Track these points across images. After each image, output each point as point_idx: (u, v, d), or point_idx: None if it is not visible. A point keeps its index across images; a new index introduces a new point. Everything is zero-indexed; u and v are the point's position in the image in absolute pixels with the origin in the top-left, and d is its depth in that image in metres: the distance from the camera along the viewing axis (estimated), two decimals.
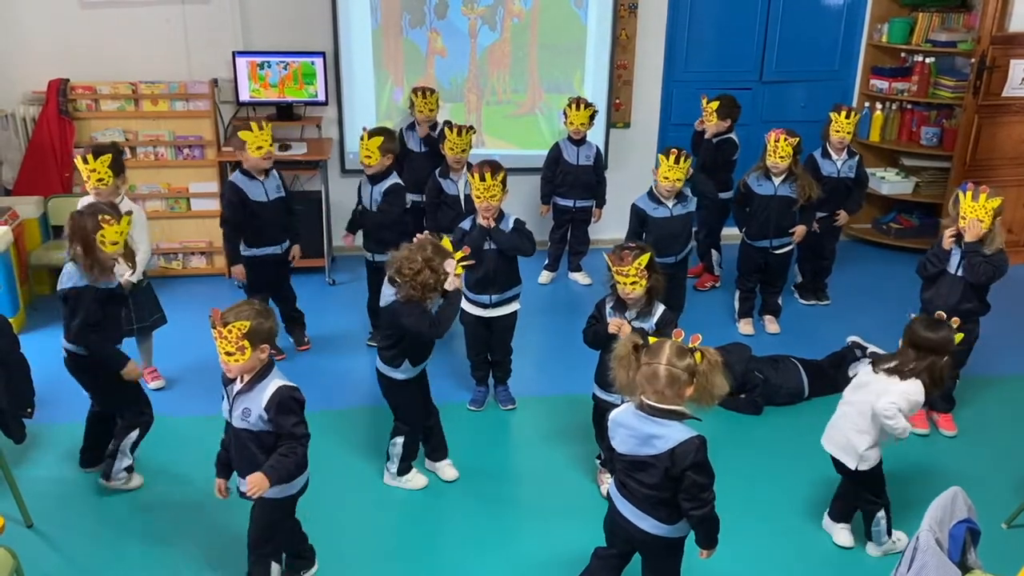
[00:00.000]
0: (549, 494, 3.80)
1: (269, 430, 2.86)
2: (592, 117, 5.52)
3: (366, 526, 3.58)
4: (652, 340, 2.71)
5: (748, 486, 3.76)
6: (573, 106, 5.45)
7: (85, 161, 3.95)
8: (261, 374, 2.87)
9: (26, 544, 3.26)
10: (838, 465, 3.40)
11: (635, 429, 2.65)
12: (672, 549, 2.80)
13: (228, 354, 2.78)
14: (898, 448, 4.16)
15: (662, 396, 2.59)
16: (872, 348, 4.71)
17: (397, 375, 3.61)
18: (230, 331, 2.75)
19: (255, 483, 2.80)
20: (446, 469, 3.86)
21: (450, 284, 3.42)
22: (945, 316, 3.32)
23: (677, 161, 4.49)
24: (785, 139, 4.75)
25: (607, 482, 3.54)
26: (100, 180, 3.95)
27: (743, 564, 3.35)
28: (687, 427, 2.61)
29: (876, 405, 3.21)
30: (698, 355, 2.61)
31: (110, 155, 3.97)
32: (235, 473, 3.01)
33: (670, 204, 4.65)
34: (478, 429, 4.26)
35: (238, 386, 2.89)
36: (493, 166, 3.98)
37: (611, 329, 3.36)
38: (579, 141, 5.56)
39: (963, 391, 4.38)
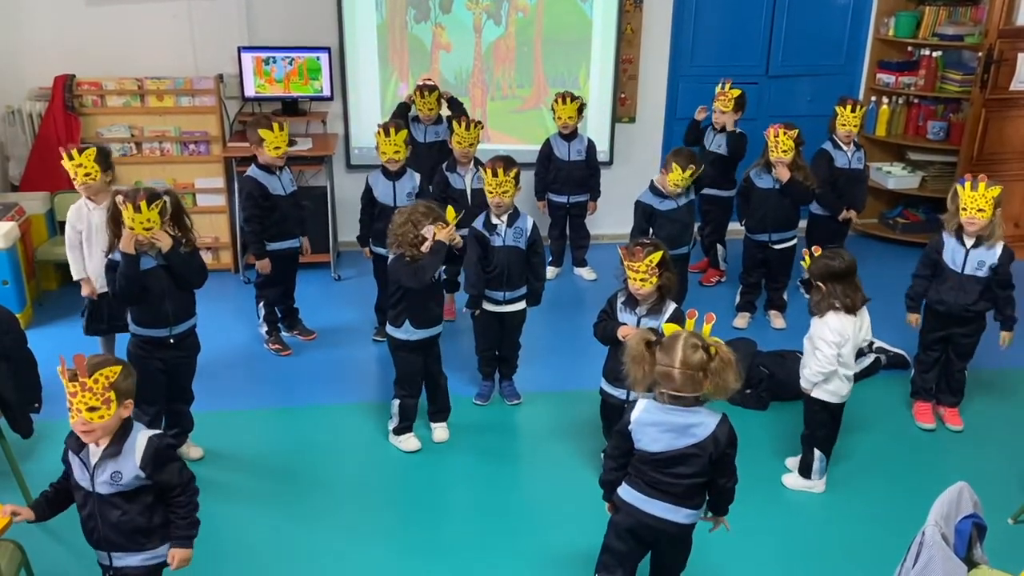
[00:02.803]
0: (555, 488, 3.80)
1: (145, 486, 2.57)
2: (580, 110, 5.50)
3: (371, 522, 3.59)
4: (666, 328, 2.72)
5: (753, 481, 3.75)
6: (559, 100, 5.43)
7: (71, 158, 3.89)
8: (124, 431, 2.55)
9: (33, 538, 3.27)
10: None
11: (667, 423, 2.65)
12: (690, 536, 2.86)
13: (92, 409, 2.43)
14: (904, 443, 4.17)
15: (681, 391, 2.63)
16: (880, 343, 4.69)
17: (398, 334, 3.86)
18: (96, 381, 2.41)
19: (180, 559, 2.63)
20: (438, 431, 4.10)
21: (425, 247, 3.66)
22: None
23: (693, 174, 4.58)
24: (784, 133, 4.73)
25: None
26: (87, 175, 3.91)
27: (747, 558, 3.36)
28: (711, 410, 2.66)
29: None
30: (712, 349, 2.62)
31: (95, 149, 3.94)
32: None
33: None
34: (484, 423, 4.26)
35: (97, 450, 2.54)
36: (506, 162, 4.01)
37: (619, 336, 3.40)
38: (570, 136, 5.55)
39: (969, 385, 4.34)
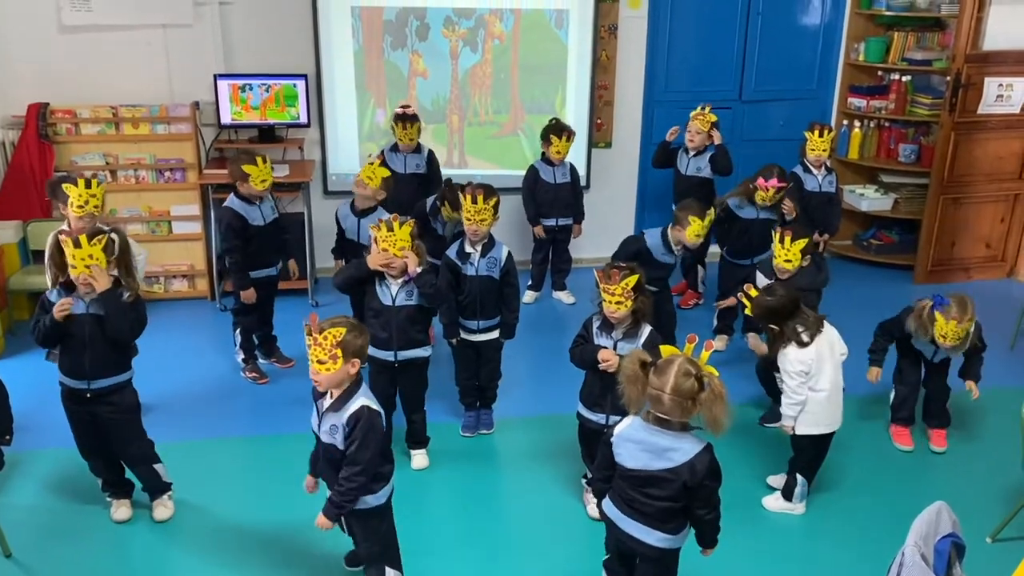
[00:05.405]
0: (536, 514, 3.78)
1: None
2: None
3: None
4: (664, 350, 2.71)
5: (733, 502, 3.75)
6: (564, 137, 5.44)
7: (88, 185, 4.00)
8: (349, 392, 2.88)
9: (4, 574, 3.20)
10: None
11: (647, 443, 2.66)
12: (674, 560, 2.84)
13: (320, 362, 2.79)
14: (883, 464, 4.19)
15: (668, 415, 2.62)
16: None
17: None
18: (325, 338, 2.76)
19: (320, 524, 2.94)
20: (417, 457, 4.09)
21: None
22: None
23: (712, 220, 4.57)
24: (779, 187, 4.80)
25: (593, 502, 3.53)
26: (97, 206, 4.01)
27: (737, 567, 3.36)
28: (697, 438, 2.65)
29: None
30: (705, 379, 2.60)
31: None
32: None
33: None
34: (464, 449, 4.24)
35: (327, 402, 2.91)
36: (486, 190, 3.99)
37: (600, 359, 3.38)
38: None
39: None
